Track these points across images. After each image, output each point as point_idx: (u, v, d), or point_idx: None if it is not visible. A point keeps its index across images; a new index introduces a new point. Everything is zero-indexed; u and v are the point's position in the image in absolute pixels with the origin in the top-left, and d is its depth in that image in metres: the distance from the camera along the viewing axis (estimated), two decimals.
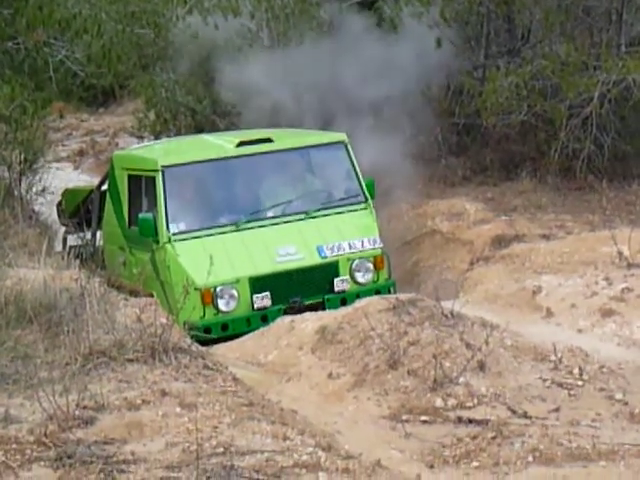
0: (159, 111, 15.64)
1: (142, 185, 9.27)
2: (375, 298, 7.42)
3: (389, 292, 8.82)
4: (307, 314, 7.76)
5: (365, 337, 6.81)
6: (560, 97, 11.57)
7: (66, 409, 4.84)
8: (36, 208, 11.59)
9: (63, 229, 11.61)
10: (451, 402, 6.10)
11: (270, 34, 13.99)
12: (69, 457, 4.47)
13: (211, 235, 8.70)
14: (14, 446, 4.61)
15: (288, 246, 8.81)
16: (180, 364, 5.71)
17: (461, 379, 6.28)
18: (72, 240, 11.25)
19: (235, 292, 8.49)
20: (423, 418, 5.99)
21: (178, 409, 5.03)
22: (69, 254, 9.54)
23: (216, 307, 8.44)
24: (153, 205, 8.94)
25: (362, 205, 9.39)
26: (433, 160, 12.56)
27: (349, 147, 9.59)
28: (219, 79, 13.98)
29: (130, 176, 9.55)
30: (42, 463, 4.48)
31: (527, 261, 9.52)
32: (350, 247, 8.95)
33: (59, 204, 11.81)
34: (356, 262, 8.94)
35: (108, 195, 10.19)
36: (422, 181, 12.09)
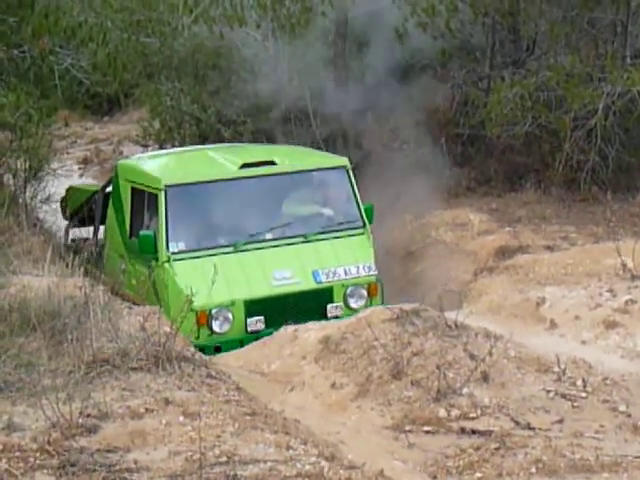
0: (164, 120, 15.68)
1: (145, 200, 9.31)
2: (379, 308, 7.41)
3: None
4: (310, 324, 7.77)
5: (369, 347, 6.80)
6: (565, 108, 11.58)
7: (69, 417, 4.84)
8: (40, 216, 11.61)
9: (66, 222, 11.67)
10: (454, 413, 6.09)
11: (276, 43, 14.01)
12: (72, 465, 4.47)
13: (210, 256, 8.65)
14: (17, 454, 4.61)
15: (284, 270, 8.88)
16: (184, 373, 5.72)
17: (464, 390, 6.27)
18: (74, 234, 11.32)
19: (230, 314, 8.55)
20: (426, 428, 5.98)
21: (181, 418, 5.03)
22: (71, 248, 9.67)
23: (210, 328, 8.47)
24: (154, 221, 9.01)
25: (360, 230, 9.46)
26: (437, 170, 12.57)
27: (350, 172, 9.66)
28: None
29: (134, 189, 9.61)
30: (45, 471, 4.48)
31: (531, 272, 9.52)
32: (345, 273, 9.05)
33: (62, 200, 11.86)
34: (350, 288, 9.04)
35: (111, 201, 10.21)
36: (426, 191, 12.09)
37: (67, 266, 7.56)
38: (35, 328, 5.95)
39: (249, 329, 8.58)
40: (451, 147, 12.94)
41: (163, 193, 8.84)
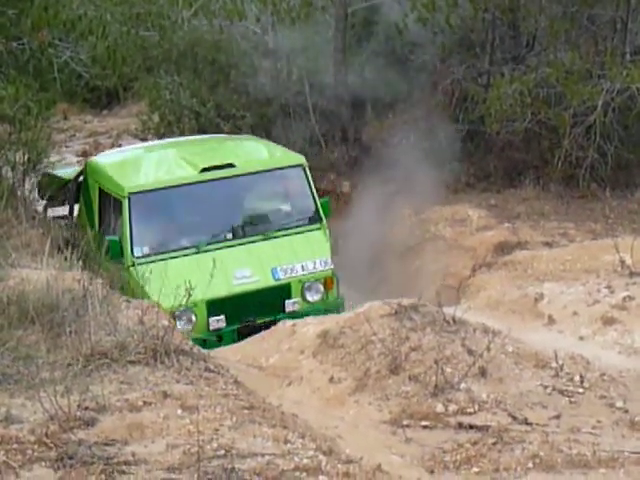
0: (163, 113, 15.65)
1: (111, 203, 9.73)
2: (377, 303, 7.42)
3: (337, 311, 8.98)
4: (309, 318, 7.79)
5: (367, 342, 6.81)
6: (564, 105, 11.58)
7: (67, 410, 4.85)
8: (39, 209, 11.61)
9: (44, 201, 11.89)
10: (452, 408, 6.10)
11: (275, 37, 14.00)
12: (70, 458, 4.47)
13: (173, 258, 9.07)
14: (15, 446, 4.61)
15: (244, 269, 9.24)
16: (182, 366, 5.72)
17: (462, 385, 6.28)
18: (52, 212, 11.57)
19: (193, 315, 8.82)
20: (424, 423, 5.99)
21: (179, 411, 5.03)
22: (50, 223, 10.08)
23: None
24: (119, 225, 9.40)
25: (317, 225, 9.81)
26: (437, 166, 12.56)
27: (307, 169, 10.00)
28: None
29: (101, 190, 10.02)
30: (43, 463, 4.48)
31: (529, 268, 9.53)
32: (302, 269, 9.43)
33: (38, 183, 11.98)
34: (307, 283, 9.42)
35: (82, 196, 10.65)
36: (425, 187, 12.09)
37: (66, 259, 7.58)
38: (33, 321, 5.96)
39: (211, 328, 8.86)
40: (450, 143, 12.93)
41: (127, 200, 9.26)
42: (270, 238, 9.55)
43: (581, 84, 11.29)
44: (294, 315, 8.98)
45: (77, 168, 11.61)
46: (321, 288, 9.47)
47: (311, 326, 7.46)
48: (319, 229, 9.80)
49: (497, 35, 13.00)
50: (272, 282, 9.27)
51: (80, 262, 7.47)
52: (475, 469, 5.40)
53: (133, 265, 8.99)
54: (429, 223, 11.51)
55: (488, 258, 10.29)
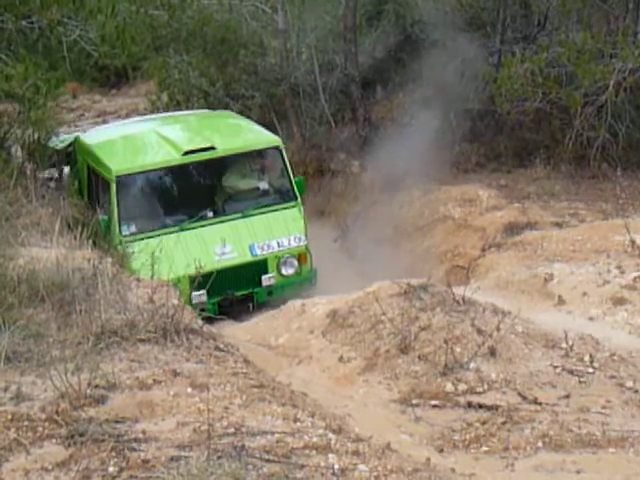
0: (172, 93, 15.63)
1: (99, 182, 10.27)
2: (387, 282, 7.41)
3: (310, 282, 10.14)
4: (317, 298, 7.80)
5: (376, 321, 6.81)
6: (575, 85, 11.51)
7: (78, 387, 4.85)
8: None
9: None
10: (461, 387, 6.10)
11: (285, 17, 13.94)
12: (80, 435, 4.48)
13: (158, 236, 9.53)
14: (26, 423, 4.62)
15: (224, 246, 9.83)
16: (192, 345, 5.73)
17: (472, 365, 6.28)
18: (43, 174, 11.78)
19: (176, 289, 8.96)
20: (433, 403, 6.00)
21: (189, 389, 5.04)
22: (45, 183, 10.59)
23: None
24: (107, 204, 9.90)
25: (292, 203, 10.39)
26: (446, 146, 12.52)
27: (283, 150, 10.59)
28: None
29: (89, 169, 10.57)
30: (54, 440, 4.49)
31: (539, 249, 9.51)
32: (278, 245, 10.07)
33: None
34: (283, 259, 10.04)
35: (71, 166, 11.26)
36: (435, 167, 12.05)
37: (75, 238, 7.58)
38: (44, 299, 5.97)
39: (193, 301, 9.15)
40: (460, 122, 12.87)
41: (114, 183, 9.79)
42: (248, 216, 10.12)
43: (593, 64, 11.22)
44: (270, 289, 9.88)
45: (66, 138, 11.86)
46: (295, 263, 10.09)
47: (320, 305, 7.46)
48: (294, 207, 10.37)
49: (508, 14, 12.92)
50: (250, 258, 9.87)
51: (90, 241, 7.48)
52: (484, 448, 5.41)
53: (120, 243, 9.42)
54: (438, 203, 11.47)
55: (498, 238, 10.27)
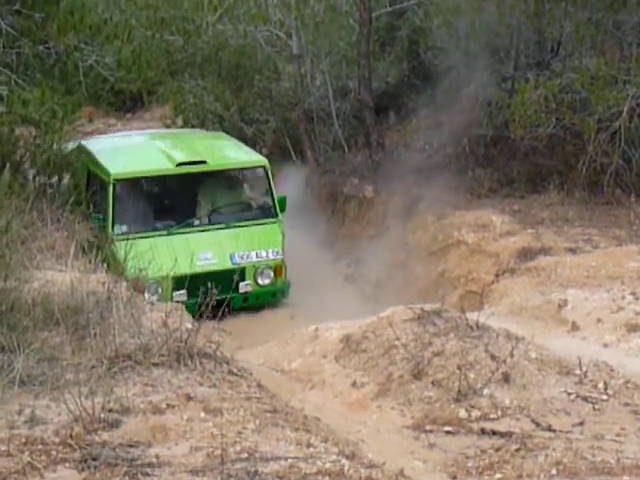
0: (187, 117, 15.72)
1: (97, 184, 11.03)
2: (400, 307, 7.40)
3: (283, 293, 11.00)
4: (331, 323, 7.79)
5: (389, 347, 6.80)
6: (589, 111, 11.50)
7: (92, 411, 4.86)
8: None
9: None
10: (475, 413, 6.08)
11: (299, 42, 14.02)
12: (94, 459, 4.49)
13: (147, 237, 10.33)
14: (39, 447, 4.63)
15: (207, 252, 10.62)
16: (205, 369, 5.74)
17: (485, 391, 6.26)
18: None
19: (160, 288, 9.96)
20: (447, 429, 5.97)
21: (203, 414, 5.04)
22: None
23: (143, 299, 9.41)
24: (103, 205, 10.64)
25: (273, 220, 11.15)
26: (460, 171, 12.52)
27: (268, 170, 11.28)
28: None
29: (89, 171, 11.32)
30: (67, 464, 4.49)
31: (553, 274, 9.48)
32: (257, 256, 10.80)
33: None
34: (260, 269, 10.77)
35: (72, 172, 11.70)
36: (448, 192, 12.06)
37: (90, 262, 7.62)
38: (58, 323, 5.99)
39: (175, 299, 9.57)
40: (474, 148, 12.89)
41: (111, 185, 10.54)
42: (231, 227, 10.93)
43: (606, 90, 11.22)
44: (246, 295, 10.65)
45: (68, 146, 12.15)
46: (271, 274, 10.83)
47: (334, 330, 7.45)
48: (274, 223, 11.12)
49: (522, 40, 12.94)
50: (229, 265, 10.59)
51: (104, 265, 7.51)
52: (498, 475, 5.38)
53: (112, 241, 10.19)
54: (452, 228, 11.46)
55: (511, 264, 10.24)
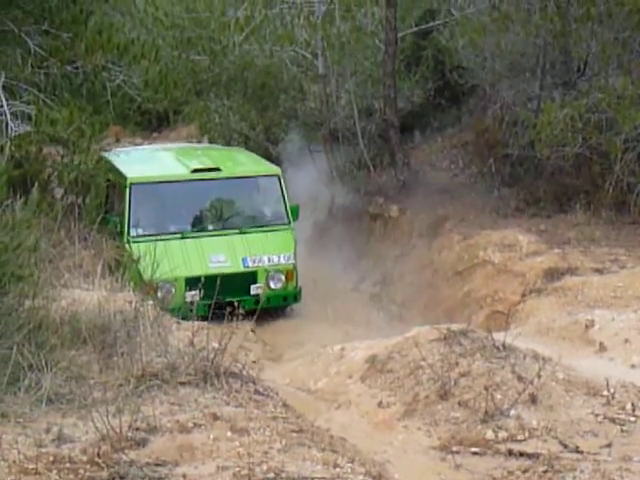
0: (212, 137, 15.79)
1: (116, 189, 11.49)
2: (426, 327, 7.38)
3: (295, 298, 11.17)
4: (356, 342, 7.79)
5: (416, 367, 6.78)
6: (615, 130, 11.48)
7: (119, 430, 4.88)
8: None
9: None
10: (502, 435, 6.05)
11: (325, 62, 14.07)
12: (121, 478, 4.50)
13: (162, 240, 10.30)
14: (67, 465, 4.64)
15: (219, 255, 10.88)
16: (231, 389, 5.74)
17: (512, 412, 6.23)
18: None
19: (172, 287, 10.30)
20: (473, 450, 5.94)
21: (229, 433, 5.04)
22: None
23: (156, 297, 9.51)
24: (120, 207, 11.07)
25: (285, 227, 11.41)
26: (486, 190, 12.51)
27: (281, 179, 11.57)
28: None
29: (108, 179, 11.57)
30: None
31: (580, 294, 9.43)
32: (268, 260, 11.02)
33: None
34: (271, 273, 10.99)
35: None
36: (474, 211, 12.04)
37: (117, 281, 7.66)
38: (86, 341, 6.02)
39: (187, 300, 9.73)
40: (500, 167, 12.88)
41: (129, 189, 10.94)
42: (244, 232, 11.16)
43: (633, 109, 11.19)
44: (257, 298, 10.41)
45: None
46: (282, 278, 11.04)
47: (359, 350, 7.44)
48: (287, 230, 11.38)
49: (548, 60, 12.94)
50: (241, 268, 10.87)
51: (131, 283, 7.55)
52: None
53: (128, 242, 10.60)
54: (478, 248, 11.43)
55: (538, 284, 10.20)
